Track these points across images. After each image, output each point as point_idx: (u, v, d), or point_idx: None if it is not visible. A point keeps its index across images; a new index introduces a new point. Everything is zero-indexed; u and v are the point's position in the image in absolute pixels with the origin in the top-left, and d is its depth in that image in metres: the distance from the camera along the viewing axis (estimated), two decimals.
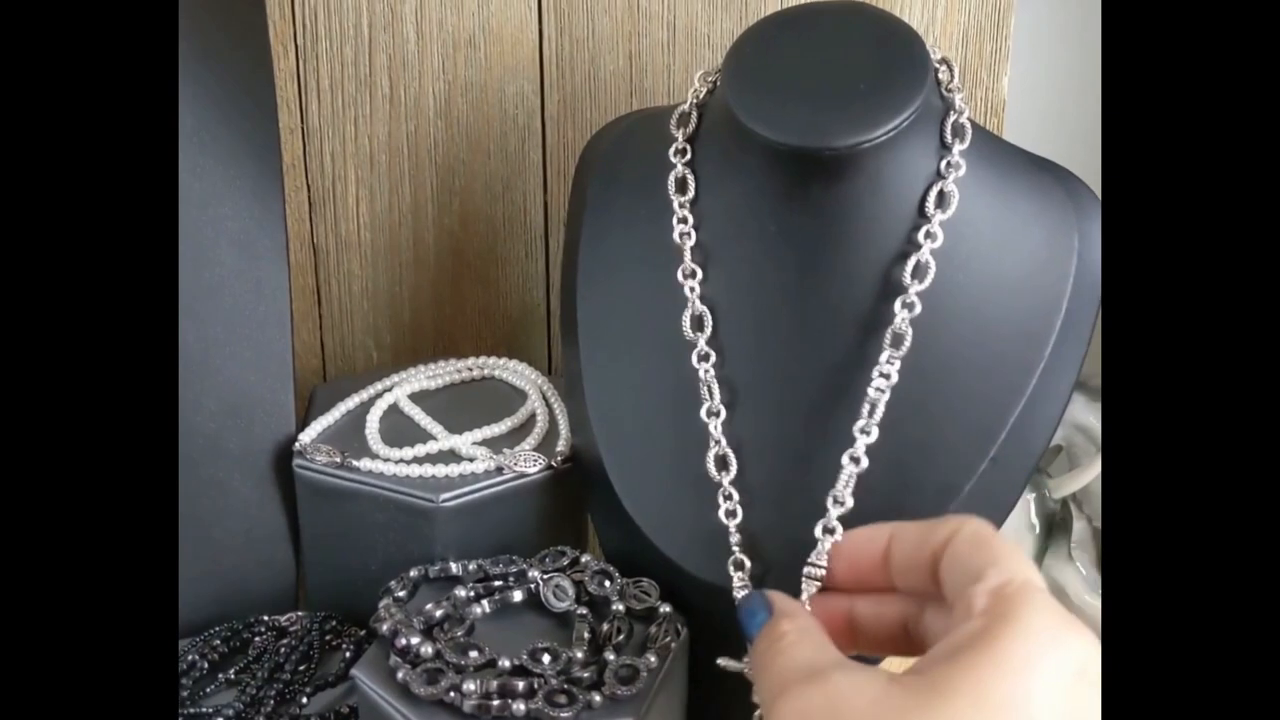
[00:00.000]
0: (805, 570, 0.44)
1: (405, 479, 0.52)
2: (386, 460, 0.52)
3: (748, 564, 0.46)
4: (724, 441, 0.48)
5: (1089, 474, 0.73)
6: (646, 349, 0.51)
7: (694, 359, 0.49)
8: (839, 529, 0.45)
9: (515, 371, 0.59)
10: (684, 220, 0.50)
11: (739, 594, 0.45)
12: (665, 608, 0.49)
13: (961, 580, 0.35)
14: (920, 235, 0.47)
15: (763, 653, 0.38)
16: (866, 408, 0.46)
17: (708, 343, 0.49)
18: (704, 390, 0.48)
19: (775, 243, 0.48)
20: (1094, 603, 0.76)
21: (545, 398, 0.58)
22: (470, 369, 0.60)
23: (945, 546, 0.36)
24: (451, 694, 0.44)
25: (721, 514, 0.47)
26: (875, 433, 0.46)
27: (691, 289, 0.49)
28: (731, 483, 0.47)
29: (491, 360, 0.60)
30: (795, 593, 0.43)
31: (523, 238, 0.64)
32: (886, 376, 0.46)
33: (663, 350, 0.50)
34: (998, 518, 0.49)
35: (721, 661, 0.42)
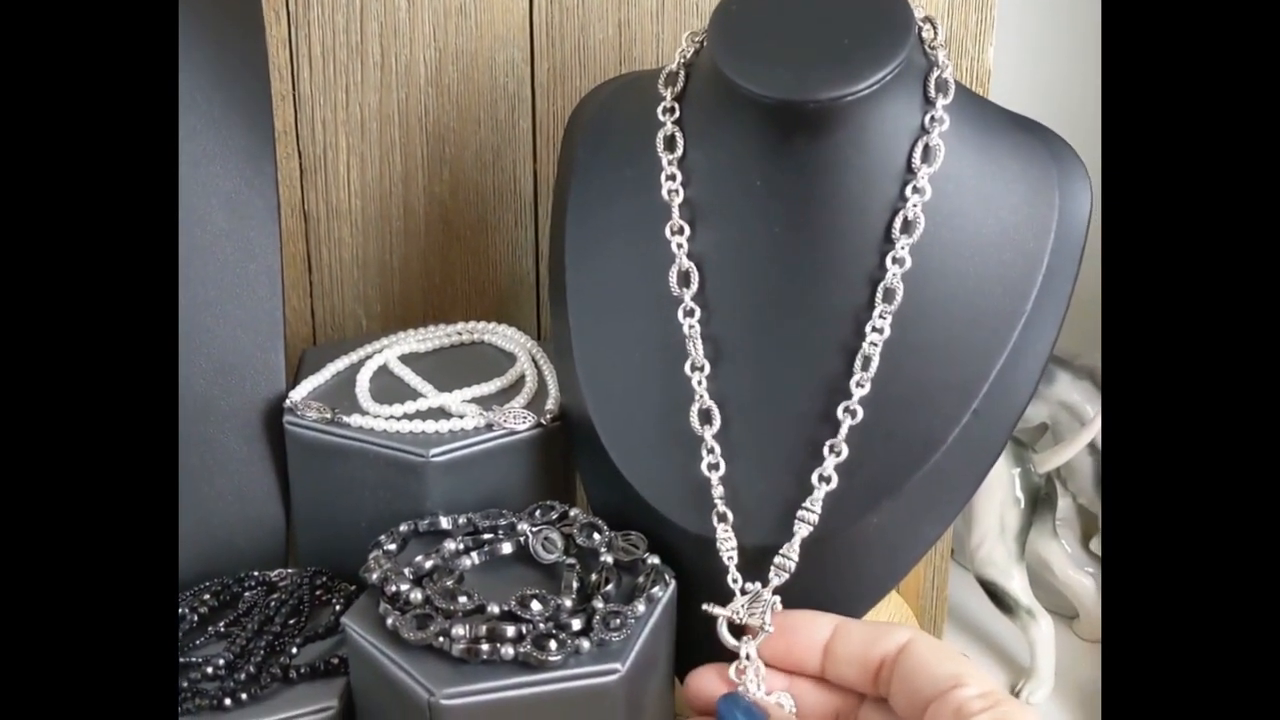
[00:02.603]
0: (775, 560, 0.44)
1: (395, 435, 0.52)
2: (377, 417, 0.53)
3: (730, 516, 0.46)
4: (707, 396, 0.48)
5: (1073, 448, 0.74)
6: (635, 307, 0.51)
7: (680, 314, 0.49)
8: (835, 479, 0.45)
9: (504, 335, 0.60)
10: (672, 178, 0.50)
11: (723, 548, 0.45)
12: (652, 559, 0.49)
13: (925, 687, 0.38)
14: (907, 190, 0.47)
15: None
16: (860, 361, 0.47)
17: (694, 299, 0.49)
18: (689, 346, 0.49)
19: (762, 198, 0.49)
20: (1079, 579, 0.76)
21: (534, 360, 0.58)
22: (460, 333, 0.60)
23: (898, 654, 0.39)
24: (440, 639, 0.44)
25: (704, 467, 0.48)
26: (868, 386, 0.47)
27: (679, 245, 0.50)
28: (715, 436, 0.48)
29: (481, 325, 0.60)
30: (765, 569, 0.44)
31: (512, 206, 0.64)
32: (879, 331, 0.47)
33: (651, 307, 0.50)
34: (979, 471, 0.50)
35: (706, 606, 0.42)
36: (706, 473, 0.47)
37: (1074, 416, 0.77)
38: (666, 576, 0.48)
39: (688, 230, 0.50)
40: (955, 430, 0.48)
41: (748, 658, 0.42)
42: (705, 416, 0.48)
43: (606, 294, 0.52)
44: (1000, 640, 0.76)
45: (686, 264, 0.49)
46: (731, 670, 0.42)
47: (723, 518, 0.46)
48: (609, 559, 0.49)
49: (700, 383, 0.48)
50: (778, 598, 0.42)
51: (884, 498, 0.48)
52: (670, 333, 0.49)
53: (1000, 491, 0.73)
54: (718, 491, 0.47)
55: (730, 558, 0.45)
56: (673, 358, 0.49)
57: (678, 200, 0.50)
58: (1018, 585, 0.72)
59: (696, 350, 0.49)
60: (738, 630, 0.44)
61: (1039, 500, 0.73)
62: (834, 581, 0.48)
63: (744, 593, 0.42)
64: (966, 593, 0.78)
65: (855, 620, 0.40)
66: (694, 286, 0.49)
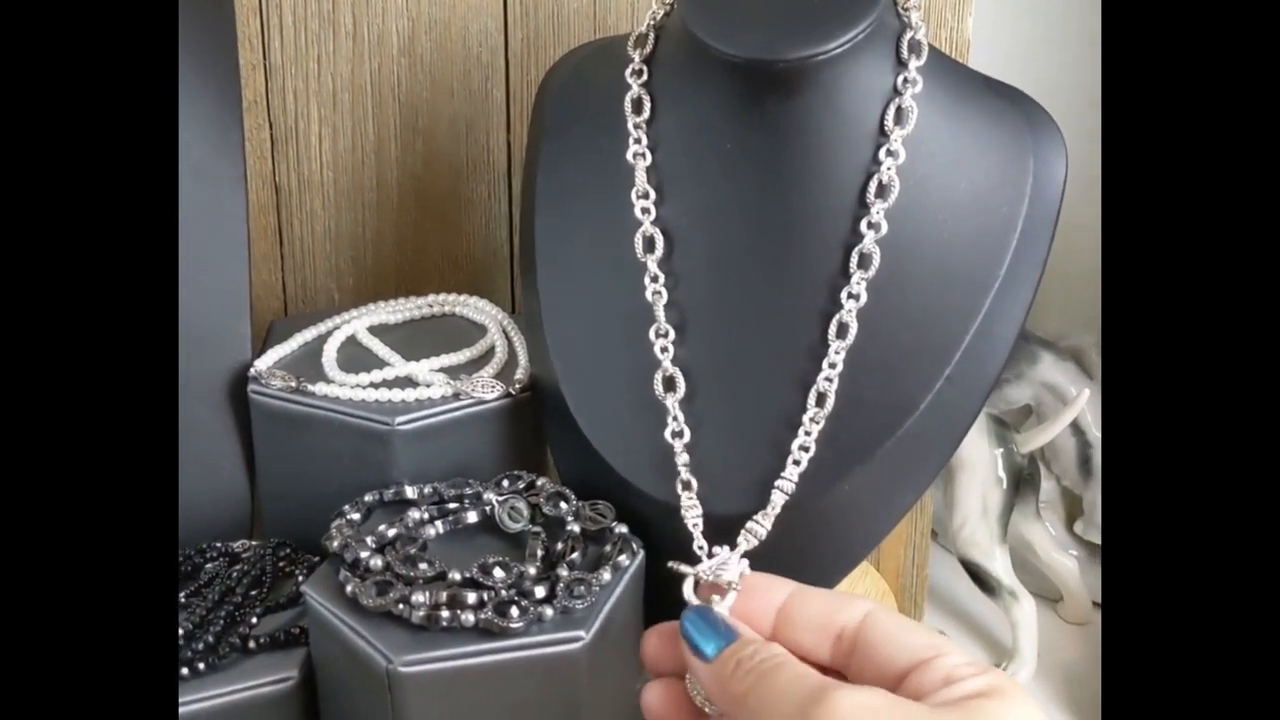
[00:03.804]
0: (747, 526, 0.43)
1: (361, 403, 0.51)
2: (342, 385, 0.52)
3: (694, 484, 0.46)
4: (670, 363, 0.47)
5: (1055, 428, 0.73)
6: (604, 275, 0.51)
7: (645, 280, 0.48)
8: (813, 448, 0.45)
9: (476, 307, 0.59)
10: (639, 141, 0.49)
11: (688, 516, 0.44)
12: (620, 528, 0.48)
13: (899, 656, 0.36)
14: (881, 153, 0.47)
15: (732, 680, 0.37)
16: (835, 328, 0.46)
17: (660, 265, 0.48)
18: (654, 312, 0.48)
19: (732, 162, 0.48)
20: (1062, 560, 0.75)
21: (505, 331, 0.57)
22: (431, 305, 0.59)
23: (861, 623, 0.38)
24: (400, 606, 0.44)
25: (668, 434, 0.47)
26: (843, 354, 0.46)
27: (645, 210, 0.49)
28: (679, 404, 0.47)
29: (452, 297, 0.60)
30: (734, 533, 0.43)
31: (486, 178, 0.64)
32: (856, 298, 0.46)
33: (619, 275, 0.50)
34: (953, 437, 0.49)
35: (672, 564, 0.42)
36: (670, 440, 0.47)
37: (1057, 398, 0.76)
38: (634, 545, 0.48)
39: (653, 195, 0.49)
40: (928, 396, 0.47)
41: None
42: (669, 384, 0.48)
43: (577, 262, 0.52)
44: (981, 621, 0.75)
45: (651, 230, 0.49)
46: None
47: (686, 485, 0.45)
48: (575, 528, 0.48)
49: (665, 349, 0.48)
50: (745, 561, 0.41)
51: (856, 464, 0.47)
52: (638, 300, 0.49)
53: (983, 472, 0.72)
54: (681, 459, 0.46)
55: (695, 524, 0.44)
56: (640, 325, 0.49)
57: (644, 164, 0.49)
58: (1000, 566, 0.71)
59: (660, 317, 0.48)
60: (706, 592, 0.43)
61: (1022, 481, 0.73)
62: (805, 550, 0.48)
63: (712, 556, 0.42)
64: (947, 574, 0.77)
65: (815, 588, 0.39)
66: (659, 252, 0.48)
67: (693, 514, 0.44)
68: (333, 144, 0.63)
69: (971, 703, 0.33)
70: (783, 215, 0.48)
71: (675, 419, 0.47)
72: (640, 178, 0.49)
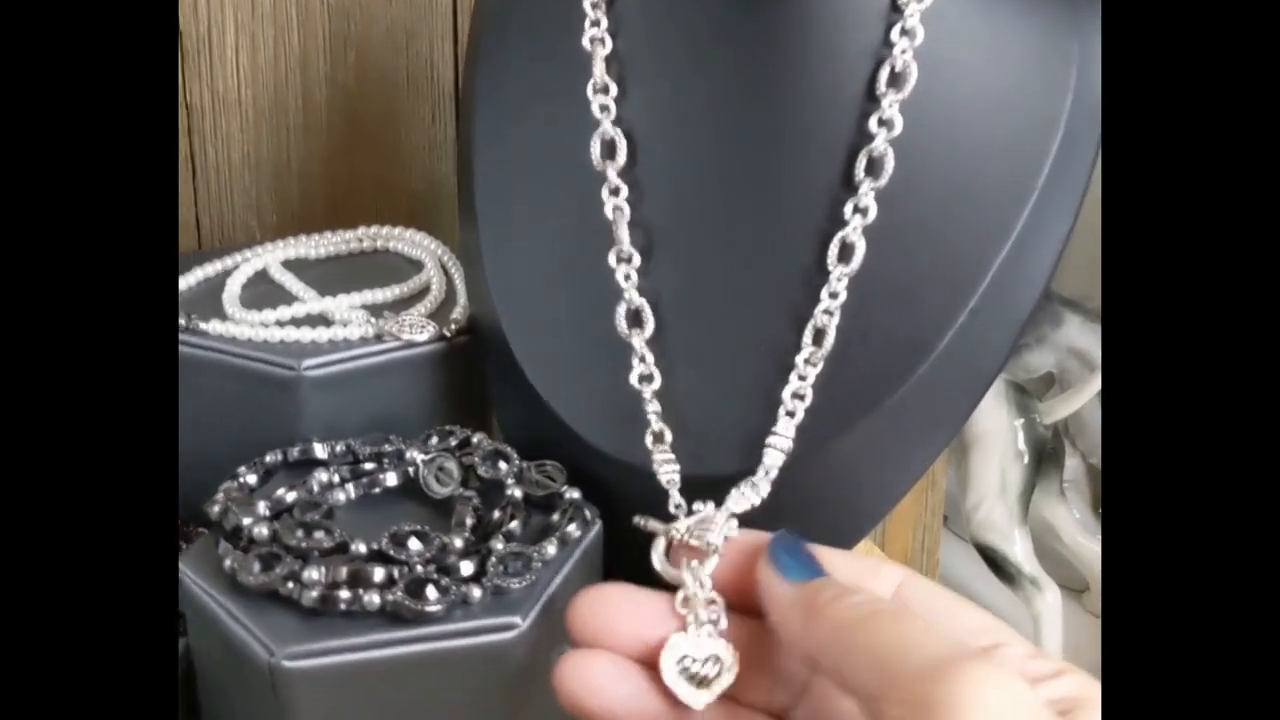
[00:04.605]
0: (740, 486, 0.35)
1: (262, 344, 0.43)
2: (241, 323, 0.43)
3: (669, 436, 0.37)
4: (637, 294, 0.39)
5: (1083, 396, 0.65)
6: (555, 193, 0.42)
7: (604, 194, 0.40)
8: (810, 396, 0.36)
9: (411, 241, 0.50)
10: (596, 24, 0.41)
11: (661, 471, 0.36)
12: (572, 493, 0.40)
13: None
14: (893, 33, 0.38)
15: (834, 606, 0.28)
16: (836, 250, 0.38)
17: (621, 175, 0.40)
18: (615, 232, 0.39)
19: (709, 48, 0.40)
20: (1088, 545, 0.67)
21: (444, 267, 0.49)
22: (361, 239, 0.51)
23: (894, 597, 0.30)
24: (289, 584, 0.35)
25: (634, 379, 0.38)
26: (846, 281, 0.38)
27: (603, 108, 0.40)
28: (647, 343, 0.39)
29: (385, 230, 0.51)
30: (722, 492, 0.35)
31: (429, 97, 0.56)
32: (863, 212, 0.38)
33: (573, 191, 0.41)
34: (977, 385, 0.40)
35: (639, 520, 0.33)
36: (637, 385, 0.38)
37: (1084, 364, 0.68)
38: (588, 514, 0.39)
39: (614, 89, 0.40)
40: (948, 334, 0.39)
41: (700, 585, 0.32)
42: (634, 318, 0.39)
43: (522, 181, 0.43)
44: (999, 614, 0.66)
45: (611, 131, 0.40)
46: (678, 601, 0.32)
47: (659, 437, 0.37)
48: (517, 492, 0.40)
49: (628, 277, 0.39)
50: (734, 521, 0.33)
51: (860, 416, 0.39)
52: (595, 219, 0.40)
53: (1001, 444, 0.65)
54: (652, 407, 0.37)
55: (671, 481, 0.35)
56: (598, 250, 0.40)
57: (603, 53, 0.41)
58: (1020, 551, 0.64)
59: (623, 237, 0.39)
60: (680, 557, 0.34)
61: (1045, 456, 0.65)
62: (797, 519, 0.39)
63: (691, 514, 0.33)
64: (960, 562, 0.69)
65: (827, 549, 0.31)
66: (621, 159, 0.40)
67: (667, 469, 0.36)
68: (251, 57, 0.55)
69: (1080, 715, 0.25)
70: (772, 112, 0.39)
71: (643, 360, 0.38)
72: (598, 69, 0.41)
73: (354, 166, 0.57)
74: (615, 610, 0.31)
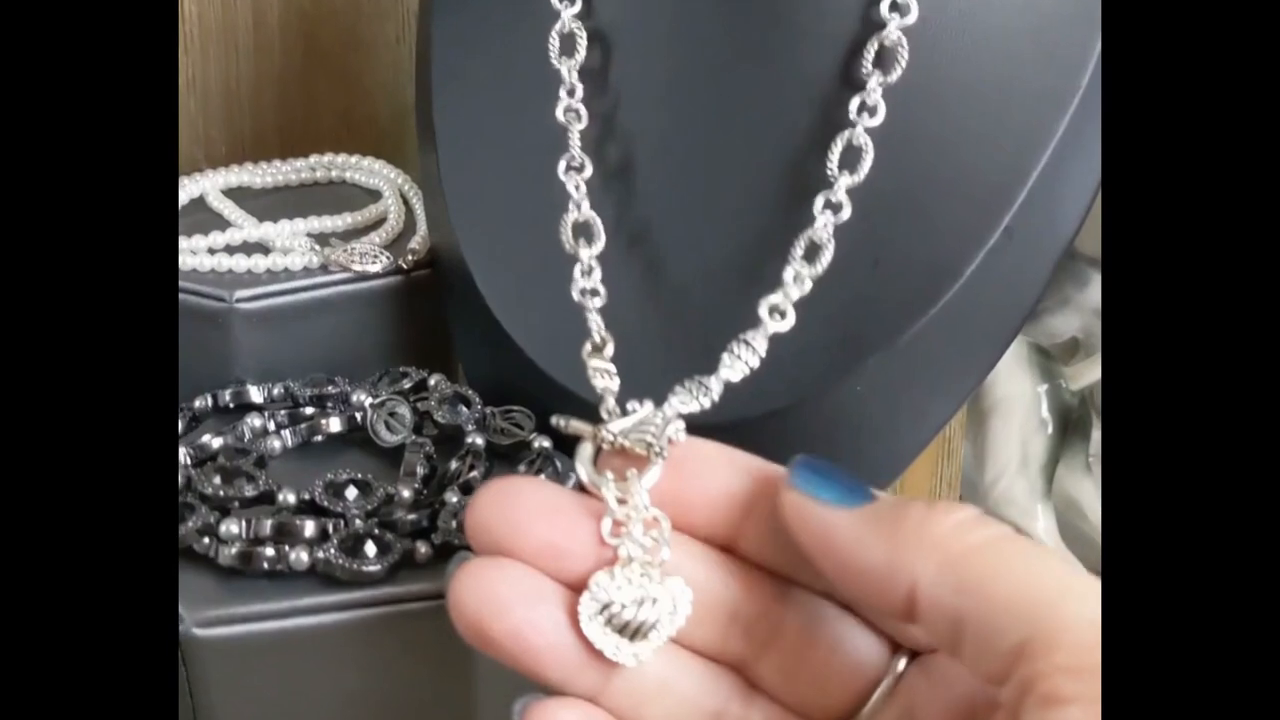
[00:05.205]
0: (686, 382, 0.29)
1: (192, 273, 0.38)
2: None
3: (610, 349, 0.30)
4: (586, 204, 0.33)
5: None
6: (519, 109, 0.37)
7: (561, 94, 0.34)
8: (790, 314, 0.30)
9: (369, 170, 0.45)
10: None
11: (596, 380, 0.29)
12: (541, 441, 0.35)
13: (1017, 615, 0.21)
14: None
15: (931, 525, 0.22)
16: (839, 154, 0.32)
17: (581, 75, 0.34)
18: (566, 137, 0.34)
19: None
20: None
21: (405, 197, 0.44)
22: (313, 168, 0.46)
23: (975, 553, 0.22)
24: (205, 539, 0.30)
25: (575, 292, 0.32)
26: (848, 191, 0.32)
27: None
28: (597, 259, 0.32)
29: (340, 158, 0.46)
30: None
31: (393, 14, 0.51)
32: (871, 111, 0.32)
33: (536, 99, 0.36)
34: (1009, 320, 0.35)
35: (557, 419, 0.27)
36: (579, 299, 0.31)
37: None
38: (558, 464, 0.34)
39: None
40: (977, 256, 0.33)
41: (620, 503, 0.25)
42: (581, 230, 0.33)
43: (485, 96, 0.38)
44: None
45: (570, 24, 0.35)
46: (605, 527, 0.25)
47: (598, 348, 0.30)
48: (479, 440, 0.35)
49: (578, 187, 0.33)
50: (681, 424, 0.27)
51: (870, 353, 0.34)
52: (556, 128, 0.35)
53: (1022, 412, 0.60)
54: (593, 320, 0.31)
55: (606, 389, 0.29)
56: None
57: None
58: (1043, 528, 0.59)
59: (573, 141, 0.34)
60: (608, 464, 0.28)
61: (1070, 425, 0.60)
62: None
63: (627, 412, 0.27)
64: None
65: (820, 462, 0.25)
66: (580, 55, 0.34)
67: (602, 380, 0.29)
68: None
69: None
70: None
71: (587, 273, 0.32)
72: None
73: (310, 94, 0.52)
74: (526, 512, 0.24)
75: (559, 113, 0.34)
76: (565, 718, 0.23)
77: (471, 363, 0.39)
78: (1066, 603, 0.20)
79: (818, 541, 0.23)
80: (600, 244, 0.32)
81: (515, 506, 0.24)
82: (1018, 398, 0.59)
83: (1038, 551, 0.22)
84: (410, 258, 0.39)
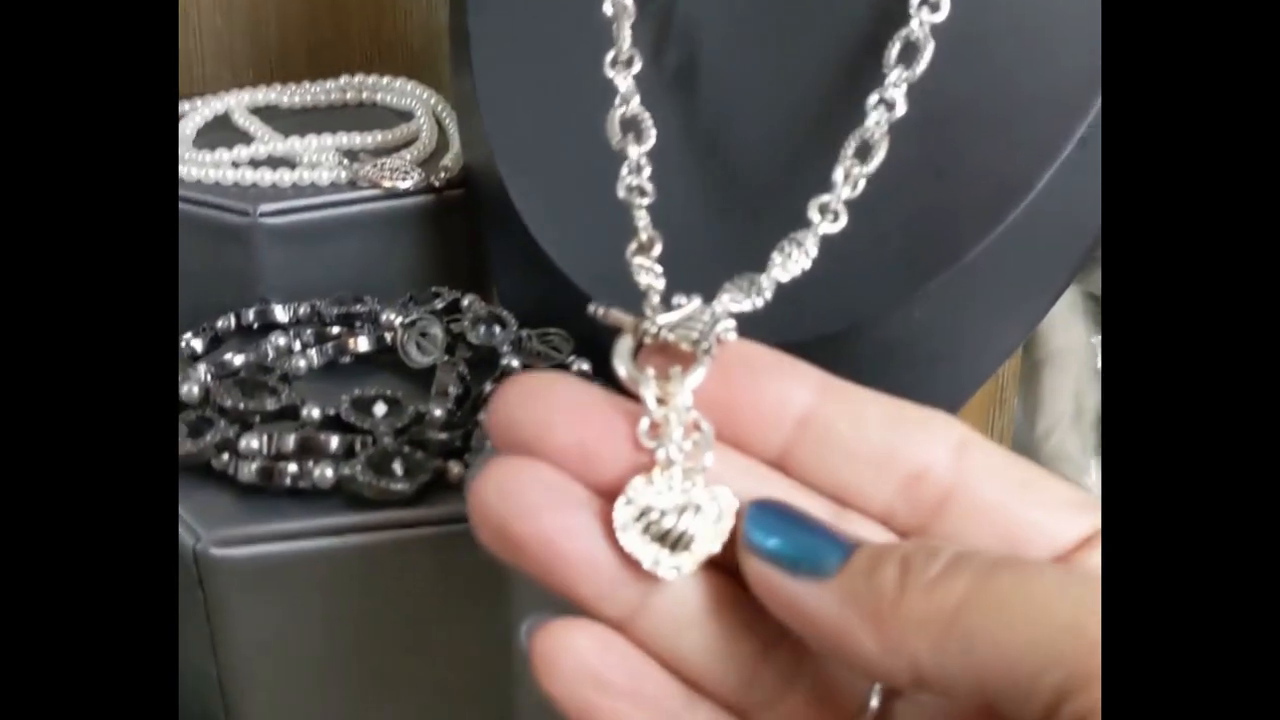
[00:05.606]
0: (739, 279, 0.26)
1: (214, 187, 0.36)
2: (188, 163, 0.36)
3: (657, 246, 0.28)
4: (638, 100, 0.30)
5: None
6: (557, 20, 0.35)
7: None
8: (842, 215, 0.28)
9: (401, 91, 0.43)
10: None
11: (641, 277, 0.26)
12: (581, 364, 0.33)
13: (1042, 525, 0.20)
14: None
15: (913, 595, 0.19)
16: (898, 48, 0.30)
17: None
18: (613, 30, 0.31)
19: None
20: None
21: (438, 117, 0.42)
22: (344, 89, 0.44)
23: (958, 460, 0.21)
24: (224, 455, 0.28)
25: (622, 190, 0.29)
26: (904, 88, 0.29)
27: None
28: (647, 156, 0.30)
29: (372, 79, 0.44)
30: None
31: None
32: (934, 6, 0.30)
33: (578, 13, 0.34)
34: (1082, 239, 0.33)
35: (595, 307, 0.24)
36: (624, 196, 0.29)
37: None
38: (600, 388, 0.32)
39: None
40: (1049, 169, 0.31)
41: (659, 403, 0.23)
42: (630, 125, 0.30)
43: (521, 10, 0.36)
44: None
45: None
46: (642, 428, 0.23)
47: (645, 247, 0.28)
48: (514, 362, 0.33)
49: (625, 81, 0.31)
50: (732, 322, 0.24)
51: (933, 274, 0.31)
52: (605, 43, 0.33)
53: (1076, 364, 0.57)
54: (641, 220, 0.28)
55: (650, 288, 0.26)
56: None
57: None
58: (1094, 483, 0.56)
59: (624, 35, 0.31)
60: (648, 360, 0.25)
61: None
62: None
63: (673, 307, 0.25)
64: None
65: (865, 390, 0.22)
66: None
67: (647, 276, 0.27)
68: None
69: None
70: None
71: (635, 170, 0.29)
72: None
73: (340, 14, 0.50)
74: (554, 409, 0.21)
75: (606, 6, 0.32)
76: (577, 642, 0.21)
77: (507, 285, 0.37)
78: (1085, 620, 0.18)
79: (796, 621, 0.20)
80: (650, 141, 0.30)
81: (543, 402, 0.21)
82: (1072, 349, 0.57)
83: (1026, 571, 0.19)
84: (443, 175, 0.37)
